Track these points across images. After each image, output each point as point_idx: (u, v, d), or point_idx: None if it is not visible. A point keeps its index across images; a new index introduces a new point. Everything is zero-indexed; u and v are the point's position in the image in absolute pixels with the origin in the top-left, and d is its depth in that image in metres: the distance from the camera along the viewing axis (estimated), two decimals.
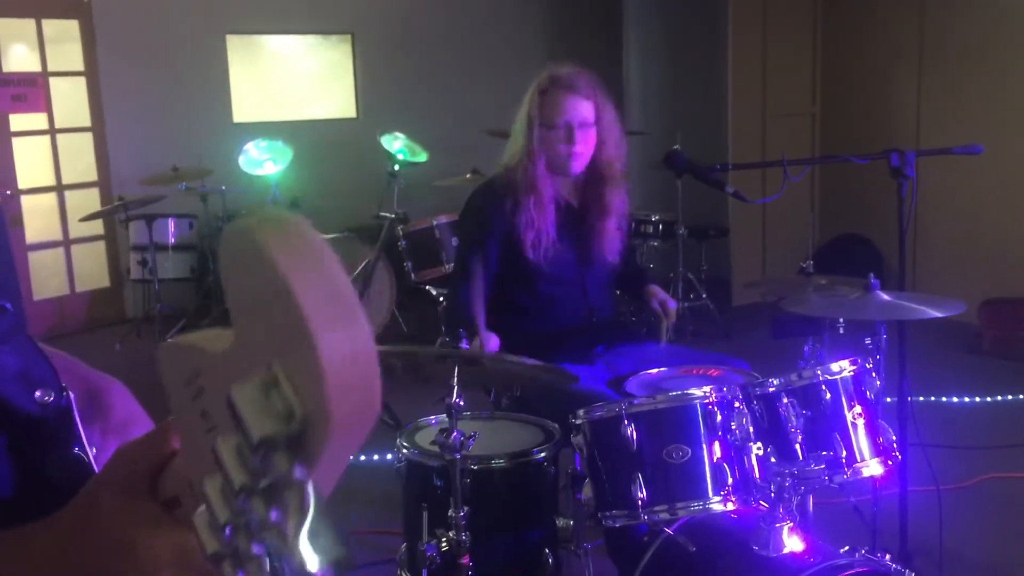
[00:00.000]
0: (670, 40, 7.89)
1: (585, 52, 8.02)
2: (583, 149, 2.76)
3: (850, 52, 6.69)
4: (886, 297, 2.40)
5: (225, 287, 0.40)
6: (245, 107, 7.16)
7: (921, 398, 4.34)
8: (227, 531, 0.41)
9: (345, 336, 0.36)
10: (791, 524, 1.93)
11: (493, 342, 2.61)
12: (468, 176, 5.52)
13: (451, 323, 2.82)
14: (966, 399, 4.55)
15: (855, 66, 6.66)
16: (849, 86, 6.70)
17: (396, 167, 5.17)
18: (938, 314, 2.31)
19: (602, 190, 2.85)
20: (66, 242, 6.65)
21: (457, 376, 2.03)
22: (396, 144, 5.31)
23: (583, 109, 2.74)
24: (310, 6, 7.22)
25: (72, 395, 0.72)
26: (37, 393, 0.69)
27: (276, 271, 0.35)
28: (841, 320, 2.45)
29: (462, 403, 2.03)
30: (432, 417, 2.37)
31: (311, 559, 0.38)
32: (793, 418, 2.01)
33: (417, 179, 5.89)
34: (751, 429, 2.00)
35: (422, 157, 5.46)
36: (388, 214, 5.03)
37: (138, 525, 0.55)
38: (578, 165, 2.78)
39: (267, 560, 0.41)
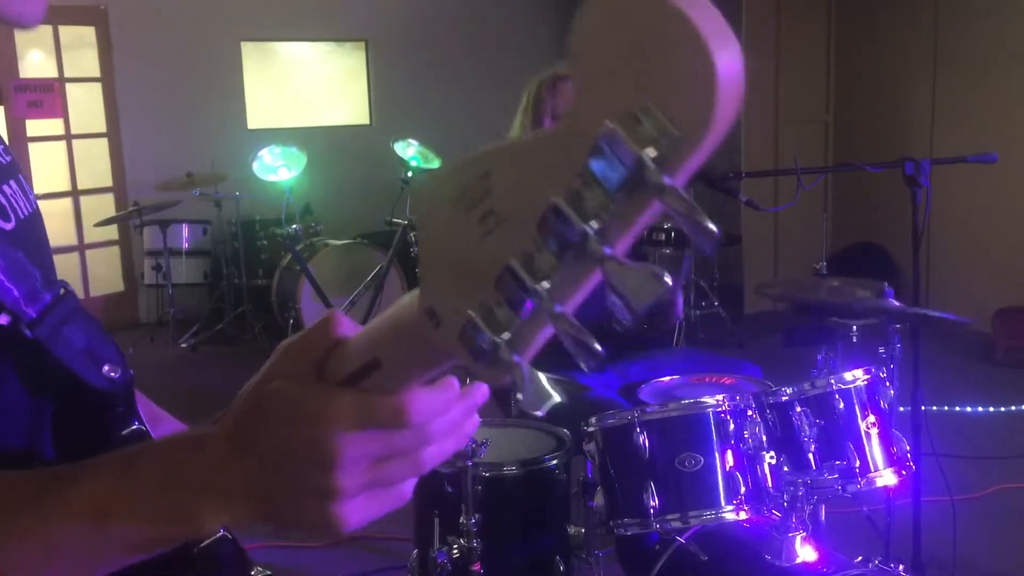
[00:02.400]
0: None
1: None
2: None
3: (864, 60, 6.67)
4: (899, 305, 2.38)
5: (577, 48, 0.45)
6: (259, 113, 7.19)
7: (935, 408, 4.32)
8: (527, 304, 0.48)
9: (730, 55, 0.42)
10: (804, 534, 1.92)
11: None
12: None
13: None
14: (980, 409, 4.52)
15: (869, 74, 6.64)
16: (863, 94, 6.68)
17: (409, 173, 5.18)
18: (952, 317, 2.30)
19: None
20: (81, 247, 6.69)
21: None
22: (409, 150, 5.32)
23: None
24: (324, 13, 7.26)
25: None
26: (105, 368, 0.71)
27: (671, 8, 0.41)
28: (855, 328, 2.44)
29: None
30: None
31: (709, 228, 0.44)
32: (806, 427, 2.00)
33: None
34: (764, 438, 2.00)
35: (435, 163, 5.46)
36: (401, 220, 5.05)
37: (317, 397, 0.55)
38: None
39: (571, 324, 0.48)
